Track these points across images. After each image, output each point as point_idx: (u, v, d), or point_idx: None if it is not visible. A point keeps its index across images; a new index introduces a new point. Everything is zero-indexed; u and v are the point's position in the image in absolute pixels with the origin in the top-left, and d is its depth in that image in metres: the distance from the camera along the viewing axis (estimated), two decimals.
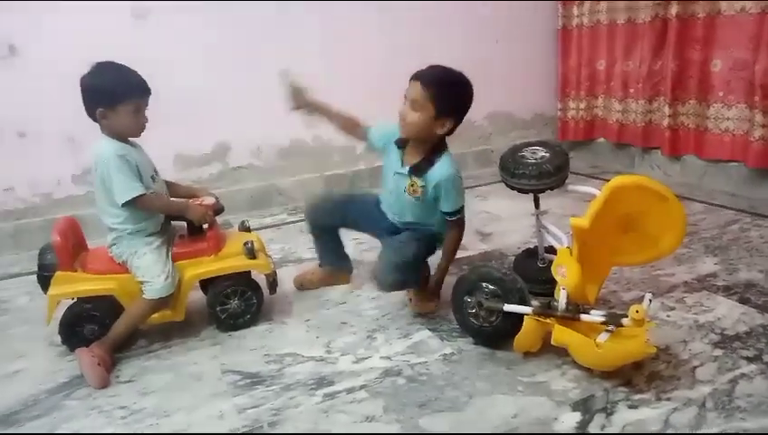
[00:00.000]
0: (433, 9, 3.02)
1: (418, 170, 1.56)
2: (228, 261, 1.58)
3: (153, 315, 1.53)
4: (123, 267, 1.52)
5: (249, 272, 1.63)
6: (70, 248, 1.52)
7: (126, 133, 1.53)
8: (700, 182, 2.74)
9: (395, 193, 1.63)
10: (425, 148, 1.56)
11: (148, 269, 1.48)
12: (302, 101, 1.66)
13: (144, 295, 1.48)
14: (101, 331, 1.49)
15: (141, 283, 1.49)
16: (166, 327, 1.64)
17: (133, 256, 1.50)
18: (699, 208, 2.40)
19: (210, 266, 1.57)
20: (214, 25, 2.56)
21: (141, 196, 1.47)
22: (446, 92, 1.49)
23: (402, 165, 1.60)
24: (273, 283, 1.66)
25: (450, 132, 1.56)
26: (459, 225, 1.63)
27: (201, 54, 2.57)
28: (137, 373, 1.43)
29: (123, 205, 1.47)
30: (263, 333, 1.59)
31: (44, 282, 1.52)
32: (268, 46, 2.65)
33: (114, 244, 1.53)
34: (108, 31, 2.37)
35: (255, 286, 1.63)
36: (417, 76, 1.51)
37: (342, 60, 2.81)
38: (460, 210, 1.60)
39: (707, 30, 2.55)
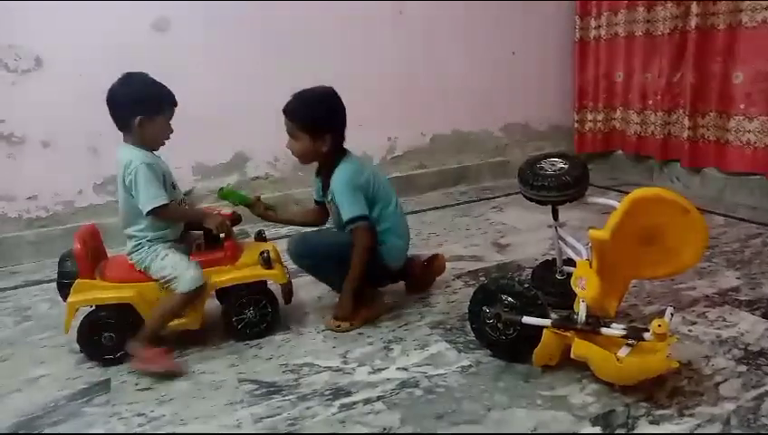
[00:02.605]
0: (449, 21, 3.04)
1: (326, 188, 1.66)
2: (245, 271, 1.59)
3: (171, 323, 1.54)
4: (143, 275, 1.54)
5: (265, 281, 1.64)
6: (89, 256, 1.54)
7: (157, 143, 1.57)
8: (721, 195, 2.70)
9: (332, 216, 1.71)
10: (328, 167, 1.65)
11: (177, 265, 1.51)
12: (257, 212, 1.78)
13: (178, 289, 1.50)
14: (119, 339, 1.51)
15: (170, 281, 1.50)
16: (183, 336, 1.65)
17: (155, 260, 1.52)
18: (720, 222, 2.37)
19: (227, 275, 1.58)
20: (233, 37, 2.60)
21: (166, 205, 1.49)
22: (310, 116, 1.58)
23: (323, 192, 1.71)
24: (288, 292, 1.67)
25: (339, 143, 1.63)
26: (357, 236, 1.58)
27: (220, 66, 2.61)
28: (155, 381, 1.44)
29: (147, 213, 1.49)
30: (279, 342, 1.59)
31: (64, 289, 1.53)
32: (286, 58, 2.69)
33: (134, 251, 1.54)
34: (130, 43, 2.42)
35: (272, 296, 1.64)
36: (283, 111, 1.61)
37: (359, 72, 2.84)
38: (353, 220, 1.57)
39: (728, 42, 2.53)
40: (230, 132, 2.68)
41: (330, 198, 1.64)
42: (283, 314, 1.74)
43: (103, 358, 1.53)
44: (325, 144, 1.59)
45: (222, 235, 1.59)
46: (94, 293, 1.51)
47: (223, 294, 1.67)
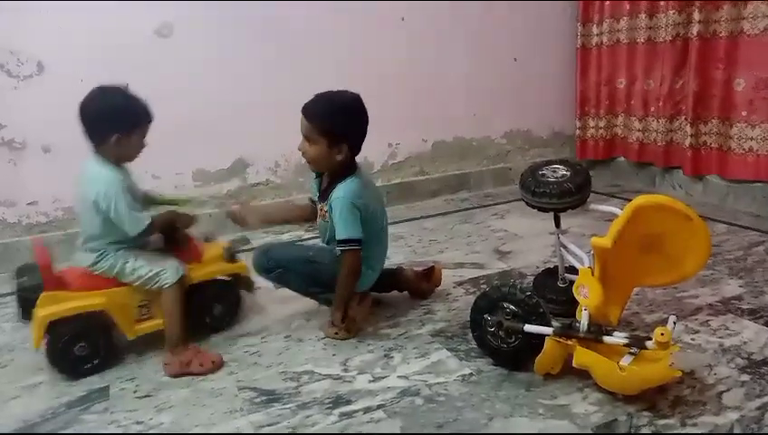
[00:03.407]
0: (451, 26, 3.04)
1: (324, 195, 1.62)
2: (214, 266, 1.66)
3: (143, 326, 1.56)
4: (109, 281, 1.52)
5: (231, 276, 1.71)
6: (52, 268, 1.50)
7: (130, 159, 1.56)
8: (723, 203, 2.70)
9: (318, 221, 1.69)
10: (334, 174, 1.61)
11: (152, 262, 1.52)
12: (250, 222, 1.75)
13: (166, 283, 1.51)
14: (91, 348, 1.49)
15: (151, 279, 1.51)
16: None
17: (127, 263, 1.51)
18: (722, 229, 2.36)
19: (201, 271, 1.62)
20: (234, 44, 2.60)
21: (151, 223, 1.51)
22: (332, 122, 1.51)
23: (318, 194, 1.66)
24: (250, 282, 1.73)
25: (353, 155, 1.59)
26: (347, 258, 1.54)
27: (222, 72, 2.61)
28: (154, 389, 1.43)
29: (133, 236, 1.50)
30: (279, 349, 1.59)
31: (26, 304, 1.47)
32: (286, 64, 2.69)
33: (100, 260, 1.50)
34: (132, 49, 2.42)
35: (237, 290, 1.73)
36: (303, 111, 1.53)
37: (360, 77, 2.81)
38: (347, 241, 1.53)
39: (730, 49, 2.54)
40: (231, 138, 2.68)
41: (326, 207, 1.60)
42: (283, 320, 1.74)
43: (78, 370, 1.49)
44: (341, 153, 1.53)
45: (185, 236, 1.62)
46: (65, 304, 1.46)
47: (189, 292, 1.63)
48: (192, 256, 1.63)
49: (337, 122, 1.51)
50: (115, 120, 1.49)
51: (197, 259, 1.63)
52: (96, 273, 1.52)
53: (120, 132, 1.49)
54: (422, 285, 1.83)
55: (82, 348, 1.49)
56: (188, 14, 2.49)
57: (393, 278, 1.82)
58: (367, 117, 1.58)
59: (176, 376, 1.46)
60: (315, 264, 1.64)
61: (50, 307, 1.45)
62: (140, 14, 2.42)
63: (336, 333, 1.61)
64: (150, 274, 1.51)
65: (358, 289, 1.65)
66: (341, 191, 1.55)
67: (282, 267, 1.64)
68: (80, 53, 2.35)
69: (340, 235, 1.54)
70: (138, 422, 1.30)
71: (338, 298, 1.60)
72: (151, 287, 1.52)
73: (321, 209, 1.63)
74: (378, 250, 1.68)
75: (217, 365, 1.49)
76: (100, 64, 2.38)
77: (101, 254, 1.51)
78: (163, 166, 2.60)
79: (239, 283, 1.74)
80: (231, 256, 1.66)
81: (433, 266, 1.87)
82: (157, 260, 1.54)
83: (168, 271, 1.52)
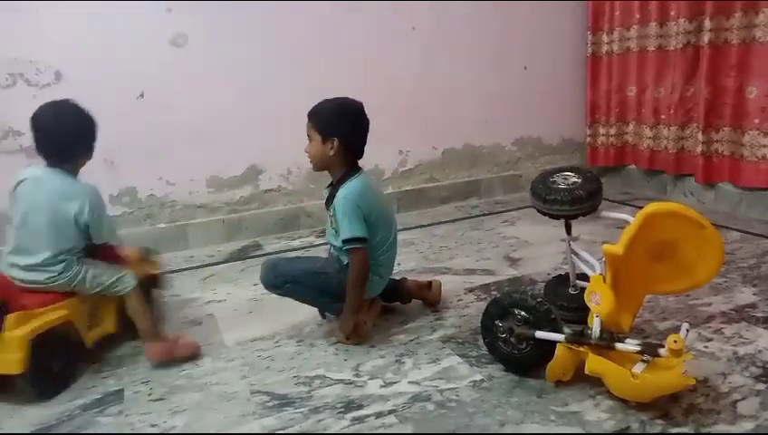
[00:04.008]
0: (461, 35, 3.06)
1: (329, 200, 1.65)
2: (140, 267, 1.72)
3: (95, 332, 1.59)
4: (65, 294, 1.51)
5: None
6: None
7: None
8: (736, 210, 2.68)
9: (327, 228, 1.72)
10: (336, 178, 1.65)
11: (109, 271, 1.57)
12: None
13: (126, 289, 1.56)
14: (65, 363, 1.51)
15: (111, 285, 1.55)
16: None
17: (88, 272, 1.53)
18: (735, 237, 2.34)
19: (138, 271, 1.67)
20: (247, 52, 2.63)
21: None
22: (324, 116, 1.60)
23: (327, 203, 1.69)
24: (164, 279, 1.87)
25: (348, 153, 1.62)
26: (354, 257, 1.57)
27: (235, 80, 2.64)
28: (168, 392, 1.44)
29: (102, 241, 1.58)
30: (291, 354, 1.60)
31: None
32: (299, 72, 2.72)
33: (64, 271, 1.49)
34: (148, 59, 2.47)
35: (158, 284, 1.87)
36: (308, 113, 1.63)
37: (371, 86, 2.85)
38: (352, 240, 1.56)
39: (742, 57, 2.53)
40: (244, 145, 2.71)
41: (331, 212, 1.62)
42: (295, 326, 1.75)
43: (56, 387, 1.47)
44: (333, 148, 1.59)
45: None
46: (35, 320, 1.43)
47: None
48: (125, 258, 1.71)
49: (329, 118, 1.60)
50: (90, 138, 1.57)
51: (125, 262, 1.68)
52: (53, 286, 1.49)
53: (89, 150, 1.57)
54: (424, 295, 1.83)
55: (58, 363, 1.48)
56: (203, 25, 2.53)
57: (395, 289, 1.82)
58: (364, 121, 1.63)
59: (160, 363, 1.54)
60: (323, 275, 1.65)
61: (25, 327, 1.40)
62: (156, 24, 2.46)
63: (347, 339, 1.62)
64: (111, 280, 1.55)
65: (366, 296, 1.66)
66: (344, 191, 1.59)
67: (290, 282, 1.65)
68: (97, 63, 2.40)
69: (344, 234, 1.56)
70: (152, 425, 1.31)
71: (348, 303, 1.61)
72: (111, 292, 1.56)
73: (330, 216, 1.66)
74: (385, 258, 1.69)
75: (196, 349, 1.59)
76: (117, 74, 2.43)
77: (67, 265, 1.50)
78: (177, 172, 2.63)
79: (155, 282, 1.84)
80: (148, 253, 1.80)
81: (431, 281, 1.85)
82: (111, 267, 1.59)
83: (127, 276, 1.58)
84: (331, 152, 1.60)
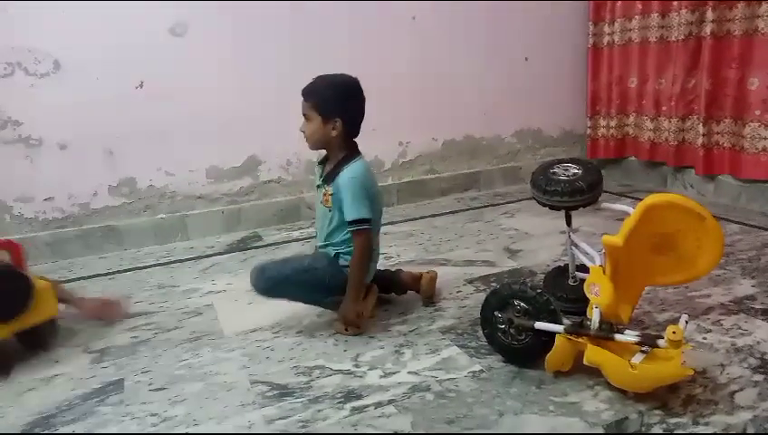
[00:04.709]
0: (462, 26, 3.04)
1: (329, 177, 1.62)
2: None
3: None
4: None
5: None
6: None
7: None
8: (736, 202, 2.68)
9: (317, 210, 1.70)
10: (336, 157, 1.63)
11: None
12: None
13: None
14: None
15: None
16: (196, 337, 1.67)
17: None
18: (735, 229, 2.34)
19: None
20: (247, 42, 2.62)
21: None
22: (324, 96, 1.58)
23: (322, 177, 1.67)
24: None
25: (350, 134, 1.62)
26: (359, 239, 1.58)
27: (235, 70, 2.63)
28: (168, 382, 1.45)
29: None
30: (291, 344, 1.60)
31: None
32: (299, 62, 2.70)
33: None
34: (147, 47, 2.45)
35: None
36: (302, 91, 1.61)
37: (371, 77, 2.83)
38: (359, 221, 1.57)
39: (744, 48, 2.52)
40: (243, 136, 2.70)
41: (332, 190, 1.59)
42: (294, 316, 1.75)
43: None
44: (336, 129, 1.58)
45: None
46: None
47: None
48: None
49: (330, 97, 1.58)
50: None
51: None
52: None
53: None
54: (418, 287, 1.81)
55: None
56: (202, 14, 2.52)
57: (391, 281, 1.82)
58: (363, 97, 1.62)
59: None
60: (313, 270, 1.63)
61: None
62: (155, 13, 2.44)
63: (346, 329, 1.63)
64: None
65: (368, 278, 1.66)
66: (352, 172, 1.58)
67: (281, 283, 1.62)
68: (95, 52, 2.39)
69: (352, 215, 1.56)
70: (152, 414, 1.32)
71: (351, 287, 1.60)
72: None
73: (325, 193, 1.62)
74: (377, 242, 1.70)
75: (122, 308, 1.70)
76: (116, 63, 2.42)
77: None
78: (177, 163, 2.63)
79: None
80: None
81: (421, 274, 1.81)
82: None
83: None
84: (334, 133, 1.59)
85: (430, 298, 1.81)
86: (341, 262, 1.64)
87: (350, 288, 1.61)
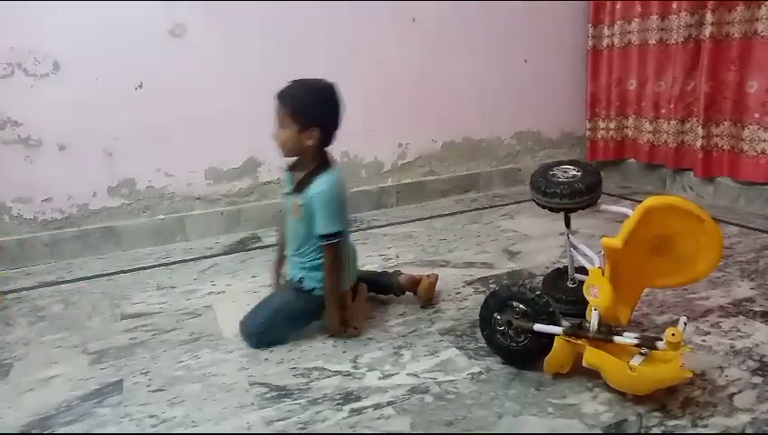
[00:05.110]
0: (462, 28, 3.05)
1: (299, 188, 1.57)
2: None
3: None
4: None
5: None
6: None
7: None
8: (734, 205, 2.68)
9: (287, 219, 1.65)
10: (307, 167, 1.57)
11: None
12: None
13: None
14: None
15: None
16: (195, 338, 1.67)
17: None
18: (734, 232, 2.34)
19: None
20: (247, 43, 2.62)
21: None
22: (303, 104, 1.51)
23: (290, 188, 1.61)
24: None
25: (325, 143, 1.56)
26: (330, 251, 1.54)
27: (234, 71, 2.63)
28: (167, 383, 1.45)
29: None
30: (289, 346, 1.60)
31: None
32: (299, 63, 2.70)
33: None
34: (146, 48, 2.45)
35: None
36: (277, 95, 1.54)
37: (371, 78, 2.85)
38: (332, 235, 1.53)
39: (743, 51, 2.52)
40: (243, 137, 2.70)
41: (301, 202, 1.54)
42: None
43: None
44: (312, 138, 1.51)
45: None
46: None
47: None
48: None
49: (309, 105, 1.51)
50: None
51: None
52: None
53: None
54: (415, 290, 1.79)
55: None
56: (202, 15, 2.52)
57: (389, 283, 1.81)
58: (340, 104, 1.55)
59: None
60: (286, 305, 1.61)
61: None
62: (154, 14, 2.44)
63: (345, 332, 1.62)
64: None
65: (343, 287, 1.62)
66: (323, 185, 1.52)
67: (264, 333, 1.59)
68: (95, 53, 2.38)
69: (324, 229, 1.52)
70: (151, 416, 1.32)
71: (328, 300, 1.58)
72: None
73: (295, 204, 1.57)
74: (350, 242, 1.69)
75: None
76: (115, 64, 2.42)
77: None
78: (176, 164, 2.63)
79: None
80: None
81: (421, 277, 1.80)
82: None
83: None
84: (310, 142, 1.52)
85: (429, 301, 1.80)
86: (308, 285, 1.61)
87: (327, 301, 1.58)
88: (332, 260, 1.56)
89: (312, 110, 1.52)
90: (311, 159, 1.57)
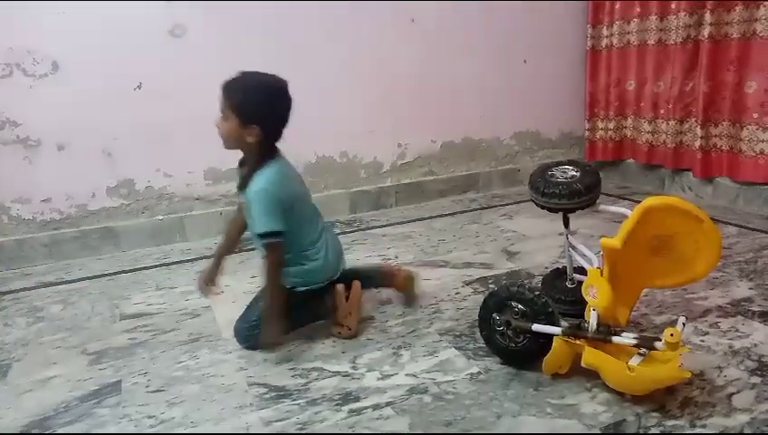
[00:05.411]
0: (461, 28, 3.05)
1: (242, 185, 1.52)
2: None
3: None
4: None
5: None
6: None
7: None
8: (733, 205, 2.68)
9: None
10: (250, 163, 1.51)
11: None
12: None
13: None
14: None
15: None
16: (194, 339, 1.67)
17: None
18: (733, 232, 2.35)
19: None
20: (245, 43, 2.62)
21: None
22: (245, 99, 1.45)
23: (240, 189, 1.55)
24: None
25: (268, 140, 1.50)
26: (269, 252, 1.49)
27: (233, 71, 2.62)
28: (166, 384, 1.45)
29: None
30: (289, 346, 1.60)
31: None
32: (297, 64, 2.71)
33: None
34: (145, 48, 2.45)
35: None
36: (222, 85, 1.48)
37: (370, 79, 2.85)
38: (269, 235, 1.47)
39: (742, 51, 2.52)
40: None
41: (244, 199, 1.51)
42: None
43: None
44: (252, 136, 1.46)
45: None
46: None
47: None
48: None
49: (251, 101, 1.45)
50: None
51: None
52: None
53: None
54: (393, 284, 1.77)
55: None
56: (201, 15, 2.52)
57: (385, 276, 1.79)
58: (287, 103, 1.49)
59: None
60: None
61: None
62: (154, 14, 2.44)
63: (339, 332, 1.62)
64: None
65: (314, 283, 1.59)
66: (261, 182, 1.46)
67: (256, 335, 1.55)
68: (94, 53, 2.38)
69: (261, 228, 1.46)
70: (149, 416, 1.31)
71: (265, 304, 1.52)
72: None
73: (242, 202, 1.55)
74: (316, 236, 1.59)
75: None
76: (114, 64, 2.42)
77: None
78: (175, 164, 2.63)
79: None
80: None
81: (399, 270, 1.77)
82: None
83: None
84: (251, 139, 1.46)
85: (413, 299, 1.76)
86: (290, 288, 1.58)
87: (265, 307, 1.51)
88: (270, 261, 1.49)
89: (254, 106, 1.45)
90: (254, 156, 1.51)
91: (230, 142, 1.51)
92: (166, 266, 2.35)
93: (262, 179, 1.47)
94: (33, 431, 1.29)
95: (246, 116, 1.45)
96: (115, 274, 2.30)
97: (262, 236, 1.48)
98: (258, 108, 1.46)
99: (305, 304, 1.61)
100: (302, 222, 1.57)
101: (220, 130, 1.50)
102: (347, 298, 1.63)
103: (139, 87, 2.49)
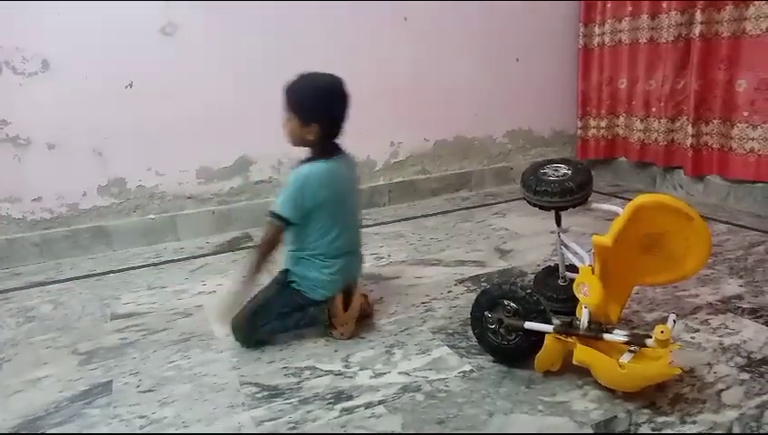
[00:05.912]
0: (453, 26, 3.05)
1: None
2: None
3: None
4: None
5: None
6: None
7: None
8: (724, 203, 2.70)
9: None
10: (312, 157, 1.60)
11: None
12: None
13: None
14: None
15: None
16: (185, 338, 1.66)
17: None
18: (723, 229, 2.36)
19: None
20: (238, 42, 2.61)
21: None
22: (303, 100, 1.55)
23: None
24: None
25: (326, 137, 1.58)
26: (267, 229, 1.55)
27: (225, 70, 2.62)
28: (157, 383, 1.44)
29: None
30: (281, 345, 1.59)
31: None
32: (290, 62, 2.69)
33: None
34: (137, 47, 2.44)
35: None
36: (283, 88, 1.57)
37: (363, 77, 2.84)
38: (274, 214, 1.53)
39: (732, 50, 2.54)
40: (234, 136, 2.69)
41: None
42: None
43: None
44: (312, 133, 1.55)
45: None
46: None
47: None
48: None
49: (308, 101, 1.55)
50: None
51: None
52: None
53: None
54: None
55: None
56: (193, 13, 2.51)
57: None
58: (345, 101, 1.56)
59: None
60: (270, 299, 1.61)
61: None
62: (145, 13, 2.43)
63: (332, 333, 1.62)
64: None
65: (320, 297, 1.60)
66: (302, 170, 1.54)
67: (254, 328, 1.58)
68: (84, 51, 2.37)
69: (273, 205, 1.53)
70: (140, 416, 1.31)
71: (249, 263, 1.55)
72: None
73: None
74: (333, 252, 1.59)
75: None
76: (105, 62, 2.41)
77: None
78: (167, 163, 2.62)
79: None
80: None
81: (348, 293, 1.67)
82: None
83: None
84: (310, 137, 1.56)
85: (366, 316, 1.71)
86: (289, 277, 1.62)
87: (248, 264, 1.55)
88: (266, 237, 1.55)
89: (311, 106, 1.55)
90: (314, 151, 1.60)
91: (294, 140, 1.60)
92: (157, 266, 2.34)
93: (306, 168, 1.55)
94: (23, 432, 1.28)
95: (305, 115, 1.54)
96: (106, 273, 2.29)
97: (269, 212, 1.54)
98: (315, 107, 1.55)
99: (304, 308, 1.61)
100: (323, 231, 1.57)
101: (286, 128, 1.59)
102: (344, 308, 1.61)
103: (131, 86, 2.47)
